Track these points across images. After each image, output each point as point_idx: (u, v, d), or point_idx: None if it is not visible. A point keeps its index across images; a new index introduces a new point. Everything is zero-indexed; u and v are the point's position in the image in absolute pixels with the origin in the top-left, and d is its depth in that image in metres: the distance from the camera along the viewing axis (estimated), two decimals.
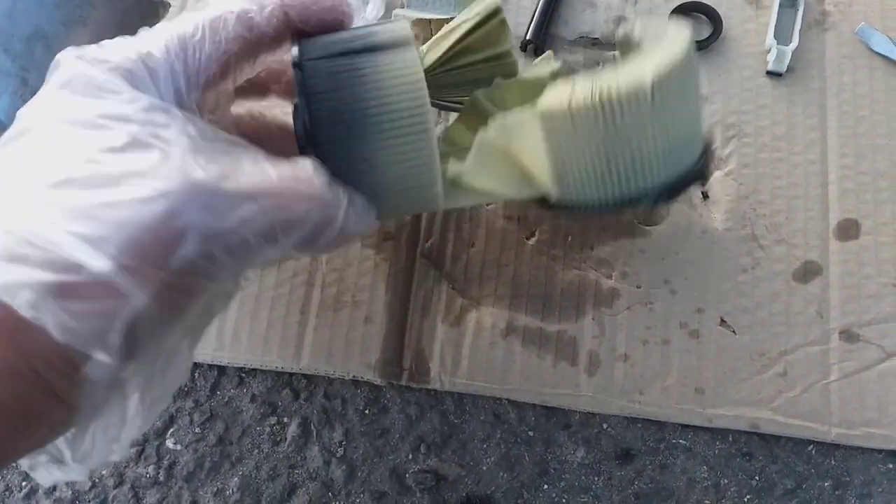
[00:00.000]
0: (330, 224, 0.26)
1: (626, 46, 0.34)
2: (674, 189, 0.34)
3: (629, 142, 0.31)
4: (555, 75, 0.36)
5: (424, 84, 0.29)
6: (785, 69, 0.46)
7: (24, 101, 0.34)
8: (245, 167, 0.24)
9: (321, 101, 0.29)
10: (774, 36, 0.47)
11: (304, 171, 0.25)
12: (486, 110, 0.36)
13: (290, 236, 0.24)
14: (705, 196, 0.44)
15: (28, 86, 0.35)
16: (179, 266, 0.22)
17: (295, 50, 0.30)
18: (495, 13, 0.34)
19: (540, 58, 0.39)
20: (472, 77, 0.36)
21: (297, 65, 0.29)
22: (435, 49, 0.35)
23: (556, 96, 0.30)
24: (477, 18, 0.34)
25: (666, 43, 0.31)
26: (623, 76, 0.29)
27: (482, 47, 0.35)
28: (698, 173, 0.35)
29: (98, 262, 0.20)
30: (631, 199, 0.34)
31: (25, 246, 0.20)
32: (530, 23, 0.48)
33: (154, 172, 0.22)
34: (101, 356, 0.21)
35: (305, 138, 0.29)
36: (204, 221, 0.22)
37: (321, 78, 0.29)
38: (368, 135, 0.29)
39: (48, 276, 0.20)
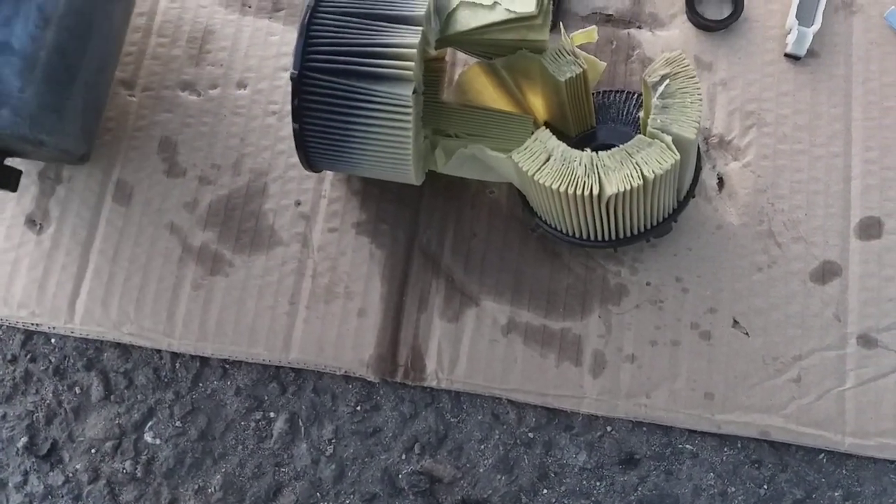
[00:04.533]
0: None
1: (650, 94, 0.35)
2: (660, 227, 0.38)
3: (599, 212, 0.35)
4: (570, 83, 0.37)
5: (411, 129, 0.33)
6: (804, 52, 0.43)
7: (38, 29, 0.33)
8: None
9: (313, 117, 0.34)
10: (797, 16, 0.44)
11: None
12: (500, 74, 0.38)
13: None
14: (721, 187, 0.42)
15: (43, 12, 0.33)
16: None
17: (295, 53, 0.33)
18: (534, 16, 0.35)
19: (578, 32, 0.39)
20: (497, 47, 0.37)
21: (296, 75, 0.33)
22: (471, 15, 0.36)
23: (531, 158, 0.34)
24: (516, 16, 0.35)
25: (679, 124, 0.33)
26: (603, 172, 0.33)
27: (518, 36, 0.36)
28: (681, 205, 0.38)
29: None
30: (613, 241, 0.38)
31: None
32: None
33: None
34: None
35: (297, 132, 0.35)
36: None
37: (317, 95, 0.33)
38: (353, 151, 0.35)
39: None
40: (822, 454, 0.39)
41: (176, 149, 0.44)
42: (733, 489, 0.38)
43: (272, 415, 0.41)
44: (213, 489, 0.40)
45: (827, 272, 0.40)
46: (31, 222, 0.43)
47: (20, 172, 0.40)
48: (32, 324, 0.41)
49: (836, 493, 0.38)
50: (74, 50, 0.36)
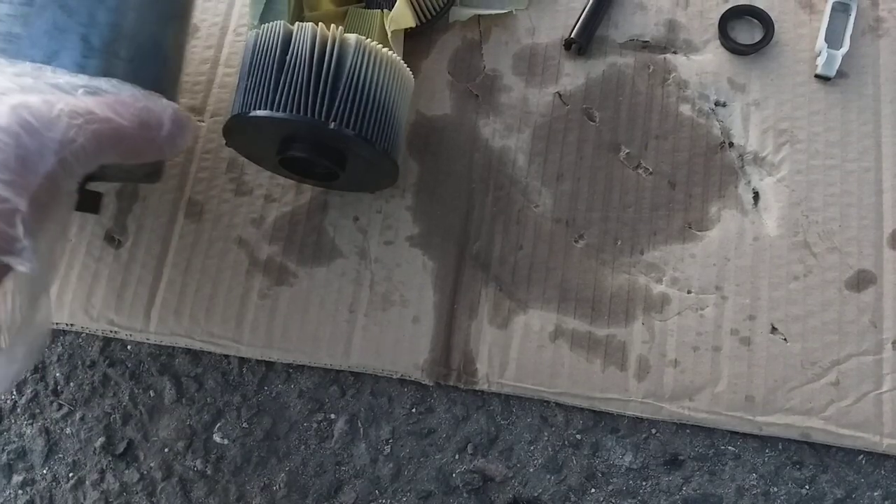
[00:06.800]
0: (153, 135, 0.33)
1: None
2: None
3: None
4: None
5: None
6: (834, 73, 0.46)
7: (85, 58, 0.35)
8: (69, 99, 0.30)
9: None
10: (826, 39, 0.46)
11: (122, 97, 0.32)
12: None
13: (120, 145, 0.31)
14: (756, 201, 0.44)
15: (88, 42, 0.34)
16: (44, 173, 0.28)
17: None
18: None
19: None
20: None
21: None
22: None
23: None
24: None
25: None
26: None
27: None
28: None
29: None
30: None
31: None
32: (576, 22, 0.47)
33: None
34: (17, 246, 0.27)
35: None
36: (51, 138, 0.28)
37: None
38: None
39: None
40: (862, 455, 0.40)
41: (243, 169, 0.47)
42: (776, 489, 0.40)
43: (333, 416, 0.43)
44: (277, 486, 0.43)
45: (862, 280, 0.42)
46: (109, 238, 0.47)
47: (101, 195, 0.43)
48: (111, 331, 0.45)
49: (875, 493, 0.39)
50: (125, 74, 0.36)
